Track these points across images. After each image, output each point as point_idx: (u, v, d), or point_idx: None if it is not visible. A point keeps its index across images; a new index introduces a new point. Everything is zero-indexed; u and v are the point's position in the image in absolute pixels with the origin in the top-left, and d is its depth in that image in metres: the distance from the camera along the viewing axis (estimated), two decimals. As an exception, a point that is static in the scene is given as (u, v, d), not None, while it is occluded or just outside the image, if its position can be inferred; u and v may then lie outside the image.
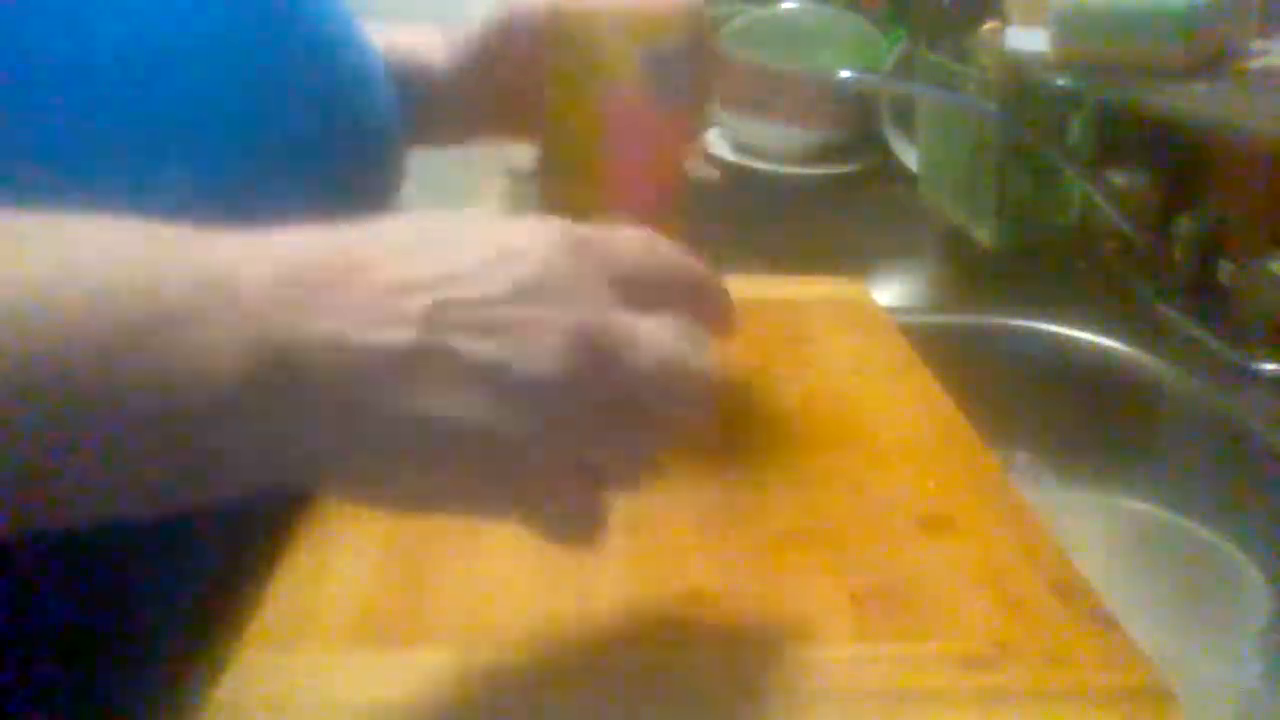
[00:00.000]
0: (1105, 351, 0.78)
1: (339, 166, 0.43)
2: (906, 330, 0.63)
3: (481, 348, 0.27)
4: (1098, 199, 0.84)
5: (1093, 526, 0.60)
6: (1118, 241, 0.87)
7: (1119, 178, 0.85)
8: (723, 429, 0.50)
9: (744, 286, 0.69)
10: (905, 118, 1.15)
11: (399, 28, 0.55)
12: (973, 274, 0.95)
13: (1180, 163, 0.82)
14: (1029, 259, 0.92)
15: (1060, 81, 0.79)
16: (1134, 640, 0.36)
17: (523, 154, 1.26)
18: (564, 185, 0.48)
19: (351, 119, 0.44)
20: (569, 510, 0.30)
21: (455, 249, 0.28)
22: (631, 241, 0.31)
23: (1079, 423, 0.78)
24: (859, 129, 1.23)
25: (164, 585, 0.38)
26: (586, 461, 0.30)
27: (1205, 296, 0.77)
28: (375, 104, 0.46)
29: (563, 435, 0.28)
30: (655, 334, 0.29)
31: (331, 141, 0.42)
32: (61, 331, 0.24)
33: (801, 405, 0.53)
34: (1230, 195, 0.76)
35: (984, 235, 0.93)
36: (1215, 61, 0.73)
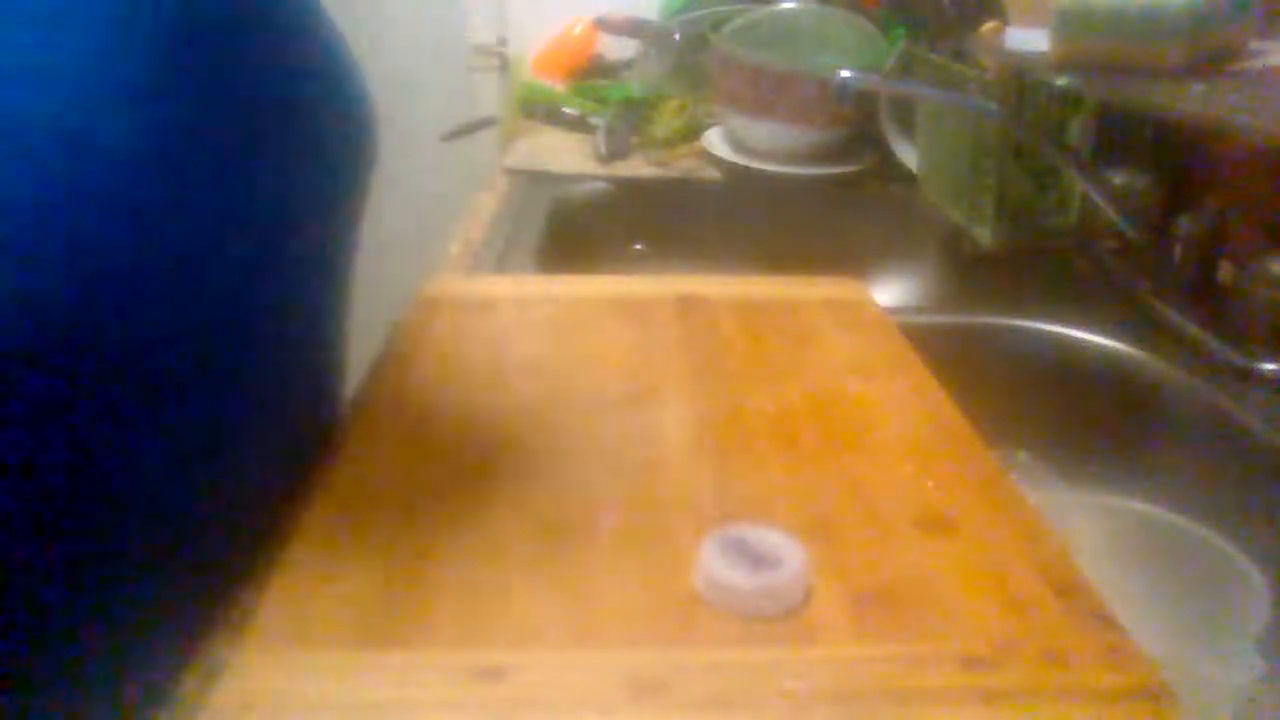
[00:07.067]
0: (1105, 351, 0.78)
1: (315, 134, 0.42)
2: (906, 330, 0.63)
3: None
4: (1098, 199, 0.84)
5: (1093, 526, 0.60)
6: (1118, 241, 0.87)
7: (1119, 178, 0.85)
8: (722, 429, 0.50)
9: (744, 286, 0.70)
10: (905, 118, 1.15)
11: None
12: (973, 274, 0.95)
13: (1180, 163, 0.82)
14: (1029, 259, 0.92)
15: (1060, 81, 0.79)
16: (1134, 640, 0.36)
17: (522, 154, 1.26)
18: None
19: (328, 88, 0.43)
20: None
21: None
22: None
23: (1079, 422, 0.78)
24: (859, 129, 1.23)
25: (162, 585, 0.38)
26: None
27: (1205, 296, 0.77)
28: (347, 77, 0.45)
29: None
30: None
31: (304, 108, 0.41)
32: None
33: (801, 405, 0.53)
34: (1230, 195, 0.76)
35: (984, 235, 0.93)
36: (1215, 61, 0.73)
